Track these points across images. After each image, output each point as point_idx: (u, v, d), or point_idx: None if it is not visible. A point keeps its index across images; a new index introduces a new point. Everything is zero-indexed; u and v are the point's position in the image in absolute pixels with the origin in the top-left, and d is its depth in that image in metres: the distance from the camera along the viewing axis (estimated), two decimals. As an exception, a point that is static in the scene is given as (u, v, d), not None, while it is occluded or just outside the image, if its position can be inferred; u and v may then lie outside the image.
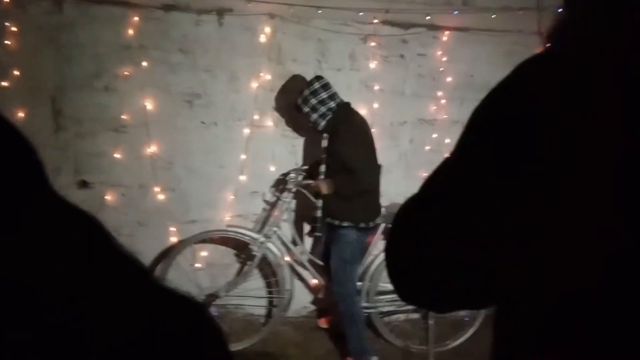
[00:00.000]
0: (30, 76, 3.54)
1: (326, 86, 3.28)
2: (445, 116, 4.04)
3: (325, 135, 3.32)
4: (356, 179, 3.15)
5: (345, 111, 3.28)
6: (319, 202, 3.39)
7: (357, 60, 3.88)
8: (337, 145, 3.20)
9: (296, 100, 3.35)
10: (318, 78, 3.32)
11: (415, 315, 4.03)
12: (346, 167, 3.15)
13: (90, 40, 3.56)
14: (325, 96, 3.24)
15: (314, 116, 3.26)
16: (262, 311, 4.01)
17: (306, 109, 3.27)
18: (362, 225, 3.29)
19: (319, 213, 3.40)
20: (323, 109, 3.24)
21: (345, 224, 3.27)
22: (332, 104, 3.25)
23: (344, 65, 3.86)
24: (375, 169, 3.26)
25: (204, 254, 3.88)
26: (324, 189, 3.26)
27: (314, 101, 3.24)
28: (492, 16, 3.77)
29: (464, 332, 3.85)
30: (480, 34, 3.96)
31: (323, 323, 3.93)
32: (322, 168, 3.35)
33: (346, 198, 3.22)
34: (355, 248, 3.37)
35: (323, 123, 3.26)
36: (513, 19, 3.84)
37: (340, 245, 3.32)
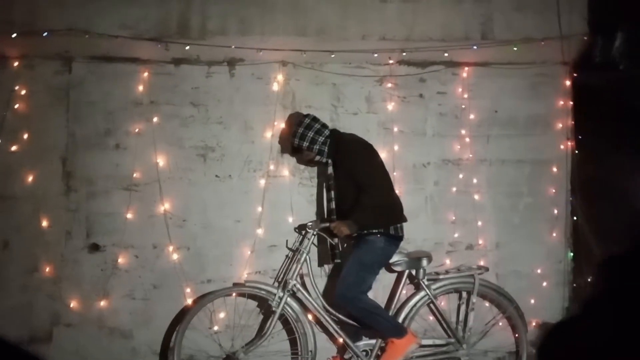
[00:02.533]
0: (39, 137, 3.65)
1: (316, 118, 3.54)
2: (471, 155, 4.00)
3: (329, 162, 3.52)
4: (370, 194, 3.32)
5: (339, 134, 3.56)
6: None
7: (373, 102, 3.91)
8: (344, 163, 3.42)
9: (291, 142, 3.52)
10: (306, 115, 3.56)
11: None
12: (358, 183, 3.35)
13: (100, 98, 3.68)
14: (319, 127, 3.50)
15: (316, 147, 3.45)
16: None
17: (305, 144, 3.45)
18: (392, 232, 3.42)
19: (335, 240, 3.49)
20: (322, 139, 3.47)
21: (374, 231, 3.39)
22: (327, 132, 3.51)
23: (360, 109, 3.89)
24: (387, 178, 3.49)
25: (221, 315, 3.80)
26: (345, 230, 3.35)
27: (311, 134, 3.45)
28: (514, 48, 3.78)
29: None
30: (501, 67, 3.97)
31: None
32: (332, 194, 3.50)
33: (372, 211, 3.36)
34: (379, 257, 3.47)
35: (326, 150, 3.48)
36: (536, 49, 3.84)
37: (364, 248, 3.41)
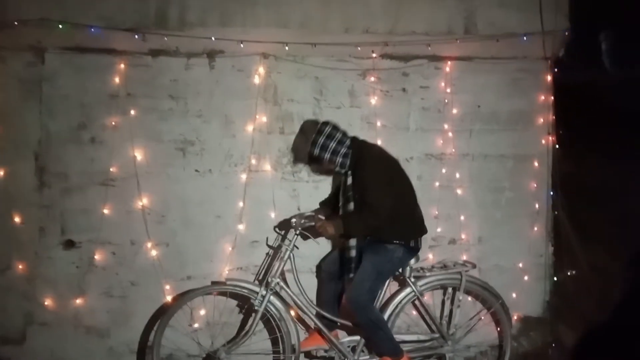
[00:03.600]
0: (11, 132, 3.59)
1: (336, 127, 3.39)
2: (454, 150, 4.06)
3: (349, 173, 3.39)
4: (370, 213, 3.22)
5: (360, 144, 3.43)
6: (352, 241, 3.39)
7: (357, 96, 3.93)
8: (358, 175, 3.31)
9: (310, 151, 3.38)
10: (325, 123, 3.39)
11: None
12: (363, 199, 3.26)
13: (74, 90, 3.63)
14: (340, 136, 3.36)
15: (338, 159, 3.34)
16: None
17: (327, 155, 3.33)
18: (412, 244, 3.41)
19: (352, 253, 3.40)
20: (344, 150, 3.34)
21: (395, 241, 3.36)
22: (348, 142, 3.38)
23: (343, 103, 3.92)
24: (398, 197, 3.32)
25: (202, 312, 3.81)
26: (330, 229, 3.28)
27: (332, 144, 3.32)
28: (496, 42, 3.85)
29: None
30: (484, 62, 4.04)
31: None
32: (351, 205, 3.37)
33: (393, 221, 3.29)
34: (395, 266, 3.47)
35: (348, 162, 3.36)
36: (518, 45, 3.92)
37: (383, 256, 3.37)
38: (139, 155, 3.71)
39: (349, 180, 3.39)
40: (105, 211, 3.69)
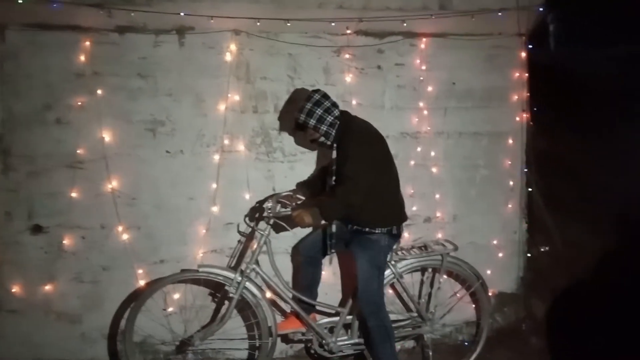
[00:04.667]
0: (-28, 113, 3.50)
1: (326, 95, 3.33)
2: (429, 128, 4.12)
3: (334, 146, 3.36)
4: (346, 188, 3.16)
5: (349, 118, 3.37)
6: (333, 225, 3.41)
7: (331, 74, 3.94)
8: (342, 149, 3.26)
9: (296, 117, 3.33)
10: (315, 91, 3.35)
11: (411, 344, 4.05)
12: (341, 172, 3.22)
13: (38, 69, 3.55)
14: (329, 105, 3.30)
15: (323, 128, 3.27)
16: (244, 355, 3.95)
17: (312, 122, 3.27)
18: (394, 231, 3.40)
19: (333, 228, 3.42)
20: (330, 118, 3.28)
21: (377, 230, 3.35)
22: (337, 112, 3.32)
23: (318, 80, 3.92)
24: (379, 179, 3.29)
25: (176, 296, 3.82)
26: (307, 219, 3.19)
27: (319, 111, 3.26)
28: (471, 19, 3.90)
29: (465, 359, 3.89)
30: (459, 38, 4.08)
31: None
32: (332, 181, 3.37)
33: (376, 204, 3.28)
34: (386, 255, 3.48)
35: (333, 133, 3.31)
36: (493, 21, 3.98)
37: (373, 249, 3.37)
38: (107, 136, 3.66)
39: (334, 154, 3.36)
40: (74, 194, 3.64)
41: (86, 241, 3.72)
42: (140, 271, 3.77)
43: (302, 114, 3.28)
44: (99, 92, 3.62)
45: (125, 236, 3.74)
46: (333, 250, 3.45)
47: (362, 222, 3.37)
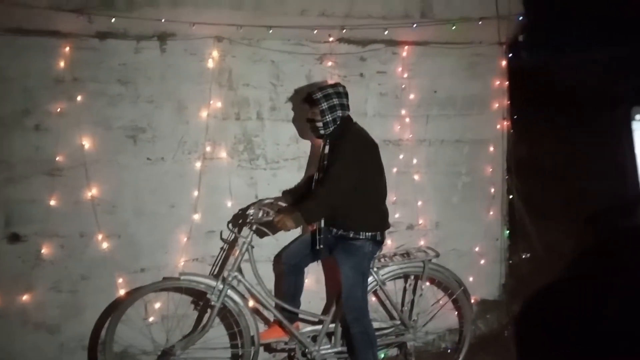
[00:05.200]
0: (-52, 119, 3.45)
1: (347, 96, 3.43)
2: (411, 135, 4.18)
3: (327, 142, 3.43)
4: (329, 186, 3.22)
5: (351, 123, 3.45)
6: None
7: (314, 81, 3.97)
8: (337, 151, 3.30)
9: (313, 92, 3.37)
10: (343, 86, 3.44)
11: (394, 352, 4.07)
12: (328, 170, 3.28)
13: (16, 74, 3.51)
14: (345, 103, 3.40)
15: (328, 117, 3.34)
16: (227, 364, 3.94)
17: (324, 105, 3.33)
18: (379, 237, 3.43)
19: (322, 222, 3.44)
20: (338, 114, 3.36)
21: (362, 235, 3.37)
22: (346, 114, 3.41)
23: (301, 88, 3.95)
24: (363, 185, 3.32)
25: (157, 305, 3.80)
26: (289, 223, 3.24)
27: (335, 101, 3.34)
28: (452, 27, 3.97)
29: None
30: (440, 47, 4.15)
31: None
32: (318, 175, 3.44)
33: (363, 209, 3.35)
34: (370, 261, 3.50)
35: (331, 129, 3.38)
36: (473, 29, 4.05)
37: (357, 255, 3.39)
38: (87, 142, 3.64)
39: (326, 150, 3.43)
40: (52, 202, 3.60)
41: (65, 250, 3.68)
42: (120, 280, 3.74)
43: (320, 93, 3.35)
44: (79, 98, 3.60)
45: (105, 244, 3.71)
46: (321, 246, 3.44)
47: (347, 227, 3.40)
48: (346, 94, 3.42)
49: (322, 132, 3.42)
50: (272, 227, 3.40)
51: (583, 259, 0.91)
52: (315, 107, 3.37)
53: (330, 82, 3.80)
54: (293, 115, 3.96)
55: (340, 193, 3.24)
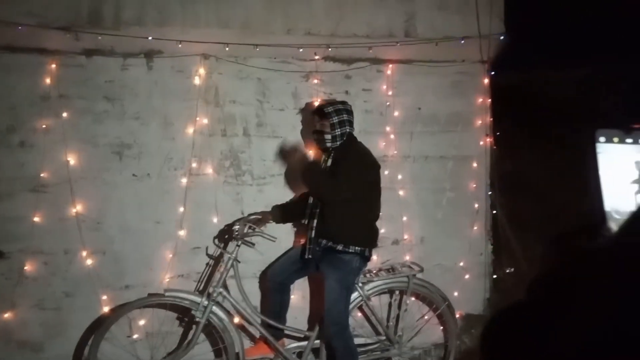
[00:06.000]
0: None
1: (352, 114, 3.61)
2: (396, 152, 4.26)
3: (331, 155, 3.53)
4: (330, 182, 3.37)
5: (356, 140, 3.60)
6: (314, 222, 3.50)
7: (300, 98, 4.05)
8: (341, 165, 3.41)
9: (324, 106, 3.52)
10: (350, 105, 3.62)
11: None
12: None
13: (2, 91, 3.54)
14: (352, 119, 3.57)
15: (337, 131, 3.48)
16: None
17: (335, 119, 3.46)
18: (367, 253, 3.50)
19: (313, 233, 3.50)
20: (346, 129, 3.51)
21: (351, 249, 3.43)
22: (351, 131, 3.57)
23: (287, 105, 4.02)
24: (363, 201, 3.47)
25: (142, 322, 3.81)
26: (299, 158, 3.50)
27: (345, 117, 3.50)
28: (435, 46, 4.08)
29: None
30: (424, 65, 4.25)
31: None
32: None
33: (356, 223, 3.45)
34: (356, 276, 3.57)
35: (338, 143, 3.50)
36: (456, 48, 4.16)
37: (343, 270, 3.45)
38: (72, 159, 3.66)
39: (328, 163, 3.53)
40: (37, 219, 3.61)
41: (49, 267, 3.68)
42: (104, 297, 3.75)
43: (332, 107, 3.50)
44: (65, 115, 3.63)
45: (89, 261, 3.72)
46: (310, 255, 3.50)
47: (338, 239, 3.45)
48: (352, 113, 3.59)
49: (329, 144, 3.51)
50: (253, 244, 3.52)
51: (541, 281, 0.96)
52: (325, 120, 3.48)
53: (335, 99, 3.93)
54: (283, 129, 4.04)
55: (337, 195, 3.36)
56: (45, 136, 3.61)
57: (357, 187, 3.37)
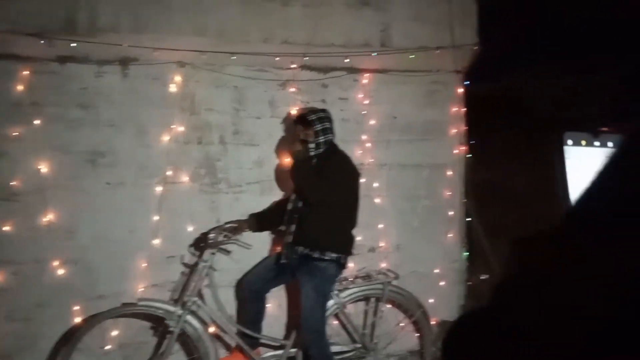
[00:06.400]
0: None
1: (333, 122, 3.62)
2: (372, 160, 4.28)
3: (313, 161, 3.52)
4: (314, 181, 3.39)
5: (337, 148, 3.64)
6: (292, 227, 3.50)
7: (277, 106, 4.05)
8: (326, 174, 3.43)
9: (307, 114, 3.54)
10: (330, 113, 3.66)
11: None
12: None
13: (-28, 98, 3.47)
14: (333, 127, 3.60)
15: (321, 139, 3.50)
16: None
17: (318, 127, 3.49)
18: (343, 260, 3.50)
19: (290, 239, 3.49)
20: (329, 137, 3.55)
21: (327, 256, 3.43)
22: (333, 139, 3.59)
23: (264, 113, 4.02)
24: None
25: (115, 333, 3.74)
26: (296, 147, 3.46)
27: (327, 125, 3.53)
28: (411, 56, 4.12)
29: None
30: (400, 75, 4.30)
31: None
32: (293, 196, 3.55)
33: (334, 229, 3.47)
34: (333, 284, 3.59)
35: (322, 149, 3.51)
36: (431, 58, 4.22)
37: (320, 277, 3.46)
38: (44, 167, 3.60)
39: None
40: (7, 228, 3.53)
41: (19, 277, 3.59)
42: (77, 307, 3.67)
43: (315, 115, 3.53)
44: (37, 122, 3.57)
45: (61, 271, 3.65)
46: (286, 260, 3.50)
47: (314, 245, 3.46)
48: (332, 120, 3.62)
49: (312, 152, 3.52)
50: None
51: (504, 285, 0.96)
52: (309, 128, 3.50)
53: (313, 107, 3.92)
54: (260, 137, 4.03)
55: (324, 197, 3.39)
56: (16, 144, 3.54)
57: (341, 193, 3.43)
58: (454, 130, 4.47)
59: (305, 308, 3.44)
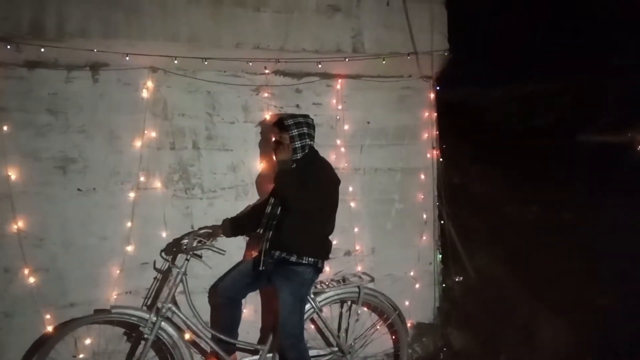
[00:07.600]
0: None
1: (314, 128, 3.51)
2: (346, 164, 4.24)
3: (293, 166, 3.42)
4: (297, 187, 3.28)
5: (317, 154, 3.53)
6: (268, 234, 3.42)
7: (251, 112, 3.99)
8: (304, 181, 3.33)
9: (285, 119, 3.42)
10: (312, 119, 3.52)
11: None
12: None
13: (-63, 104, 3.34)
14: (313, 133, 3.47)
15: (298, 144, 3.38)
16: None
17: (294, 132, 3.37)
18: (320, 264, 3.44)
19: (267, 245, 3.42)
20: (307, 142, 3.42)
21: (304, 261, 3.36)
22: (312, 144, 3.48)
23: (237, 118, 3.95)
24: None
25: (87, 341, 3.61)
26: (281, 156, 3.38)
27: (305, 130, 3.40)
28: (383, 62, 4.10)
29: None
30: (372, 80, 4.27)
31: None
32: (272, 200, 3.48)
33: (311, 235, 3.38)
34: (309, 288, 3.51)
35: (299, 156, 3.40)
36: (402, 64, 4.20)
37: (296, 281, 3.38)
38: (13, 174, 3.47)
39: None
40: (-26, 236, 3.40)
41: (-14, 286, 3.46)
42: (47, 316, 3.54)
43: (292, 120, 3.41)
44: (5, 128, 3.45)
45: (31, 279, 3.51)
46: (263, 267, 3.43)
47: (291, 250, 3.39)
48: (314, 127, 3.51)
49: (291, 158, 3.43)
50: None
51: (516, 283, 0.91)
52: (285, 132, 3.41)
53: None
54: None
55: (305, 204, 3.31)
56: (-17, 150, 3.41)
57: (322, 201, 3.37)
58: (425, 135, 4.46)
59: (283, 313, 3.37)
